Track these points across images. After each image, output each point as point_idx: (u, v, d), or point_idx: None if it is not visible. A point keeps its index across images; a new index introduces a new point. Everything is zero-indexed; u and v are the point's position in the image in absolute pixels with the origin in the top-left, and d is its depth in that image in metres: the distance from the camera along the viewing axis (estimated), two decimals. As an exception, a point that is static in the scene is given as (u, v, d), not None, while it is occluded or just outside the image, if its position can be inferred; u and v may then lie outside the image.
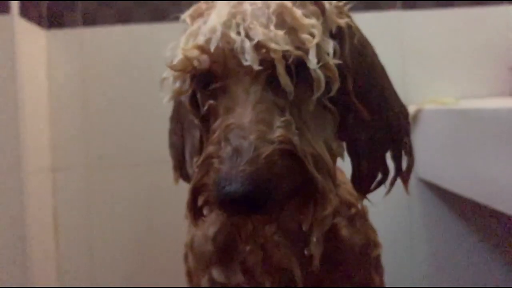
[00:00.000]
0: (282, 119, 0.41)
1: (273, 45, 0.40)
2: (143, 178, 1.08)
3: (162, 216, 1.08)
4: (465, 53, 1.09)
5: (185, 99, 0.49)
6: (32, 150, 0.98)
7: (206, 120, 0.47)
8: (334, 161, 0.46)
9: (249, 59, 0.40)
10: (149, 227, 1.09)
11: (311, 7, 0.45)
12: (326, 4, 0.46)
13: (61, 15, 1.09)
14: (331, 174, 0.43)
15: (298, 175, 0.40)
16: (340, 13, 0.48)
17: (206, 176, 0.40)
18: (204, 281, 0.58)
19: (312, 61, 0.41)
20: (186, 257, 0.63)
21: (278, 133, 0.40)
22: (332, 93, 0.43)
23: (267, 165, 0.37)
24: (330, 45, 0.43)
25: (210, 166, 0.40)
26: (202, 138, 0.50)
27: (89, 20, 1.09)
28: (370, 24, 1.08)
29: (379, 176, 0.49)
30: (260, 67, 0.40)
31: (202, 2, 0.48)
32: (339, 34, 0.46)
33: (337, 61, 0.44)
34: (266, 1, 0.43)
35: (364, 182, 0.48)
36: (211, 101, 0.45)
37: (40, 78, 1.05)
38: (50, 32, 1.08)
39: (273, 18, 0.42)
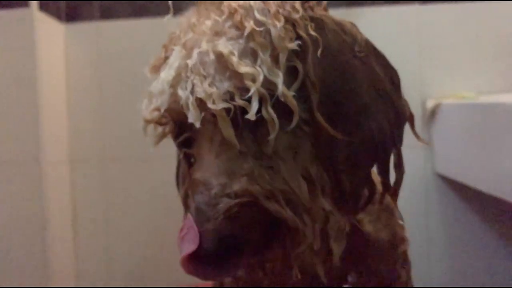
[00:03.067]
0: (244, 166, 0.41)
1: (209, 104, 0.40)
2: (160, 170, 1.09)
3: (180, 207, 1.09)
4: (484, 47, 1.07)
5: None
6: (51, 142, 0.99)
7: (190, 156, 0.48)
8: (316, 186, 0.44)
9: (191, 117, 0.41)
10: (166, 217, 1.10)
11: (258, 38, 0.42)
12: (272, 30, 0.43)
13: (78, 9, 1.10)
14: (305, 207, 0.42)
15: (265, 220, 0.40)
16: (305, 20, 0.45)
17: None
18: None
19: (253, 109, 0.40)
20: None
21: (238, 185, 0.40)
22: (292, 125, 0.42)
23: (227, 220, 0.39)
24: (279, 78, 0.41)
25: None
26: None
27: (106, 14, 1.10)
28: (388, 19, 1.08)
29: (366, 193, 0.46)
30: (199, 126, 0.41)
31: (162, 50, 0.48)
32: (300, 51, 0.44)
33: (292, 93, 0.42)
34: (208, 48, 0.42)
35: (348, 200, 0.45)
36: (185, 149, 0.47)
37: (58, 71, 1.06)
38: (68, 26, 1.09)
39: (212, 70, 0.41)
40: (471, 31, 1.07)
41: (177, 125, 0.47)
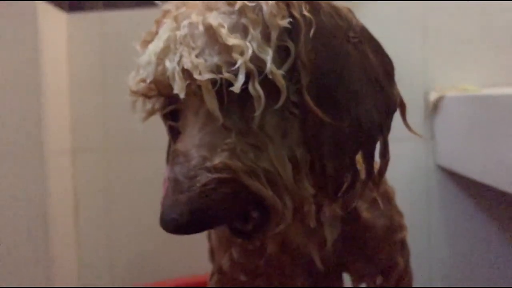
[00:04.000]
0: (227, 141, 0.41)
1: (195, 75, 0.40)
2: (162, 160, 1.09)
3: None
4: (489, 40, 1.06)
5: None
6: (53, 132, 0.99)
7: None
8: (301, 169, 0.44)
9: (176, 88, 0.41)
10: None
11: (250, 14, 0.42)
12: (264, 7, 0.42)
13: (82, -2, 1.10)
14: (288, 188, 0.43)
15: (243, 198, 0.40)
16: (299, 2, 0.44)
17: None
18: (225, 260, 0.59)
19: (239, 82, 0.40)
20: (209, 235, 0.64)
21: (218, 159, 0.40)
22: (279, 104, 0.42)
23: (202, 194, 0.39)
24: (268, 55, 0.41)
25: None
26: None
27: (109, 4, 1.09)
28: (392, 9, 1.07)
29: (348, 179, 0.46)
30: (183, 97, 0.41)
31: (155, 25, 0.49)
32: (293, 32, 0.43)
33: (281, 72, 0.42)
34: (198, 20, 0.42)
35: (330, 185, 0.45)
36: (171, 122, 0.47)
37: (61, 60, 1.06)
38: (71, 15, 1.09)
39: (201, 42, 0.41)
40: (475, 23, 1.06)
41: (164, 98, 0.46)
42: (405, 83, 1.04)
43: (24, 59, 0.94)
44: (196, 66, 0.40)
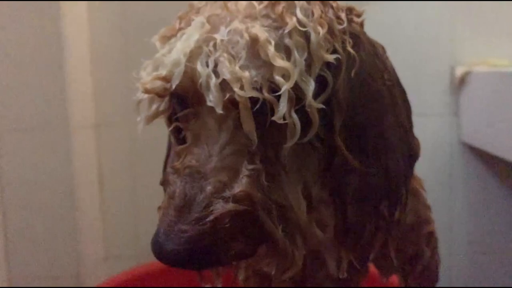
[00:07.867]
0: (250, 167, 0.36)
1: (237, 89, 0.35)
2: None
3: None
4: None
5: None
6: (77, 107, 1.00)
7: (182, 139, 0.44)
8: (314, 209, 0.41)
9: (213, 101, 0.36)
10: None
11: (297, 37, 0.38)
12: (312, 35, 0.38)
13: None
14: (301, 227, 0.39)
15: (255, 234, 0.36)
16: (343, 34, 0.41)
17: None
18: None
19: (281, 110, 0.36)
20: None
21: (239, 187, 0.35)
22: (307, 138, 0.38)
23: (212, 229, 0.34)
24: (310, 86, 0.37)
25: (164, 205, 0.38)
26: None
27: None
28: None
29: (371, 229, 0.43)
30: (221, 112, 0.36)
31: (178, 18, 0.44)
32: (333, 65, 0.40)
33: (320, 106, 0.38)
34: (241, 28, 0.38)
35: (350, 234, 0.42)
36: (180, 124, 0.42)
37: (82, 36, 1.06)
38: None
39: (244, 53, 0.37)
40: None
41: (170, 99, 0.43)
42: (431, 57, 1.02)
43: (46, 35, 0.95)
44: (238, 79, 0.36)
